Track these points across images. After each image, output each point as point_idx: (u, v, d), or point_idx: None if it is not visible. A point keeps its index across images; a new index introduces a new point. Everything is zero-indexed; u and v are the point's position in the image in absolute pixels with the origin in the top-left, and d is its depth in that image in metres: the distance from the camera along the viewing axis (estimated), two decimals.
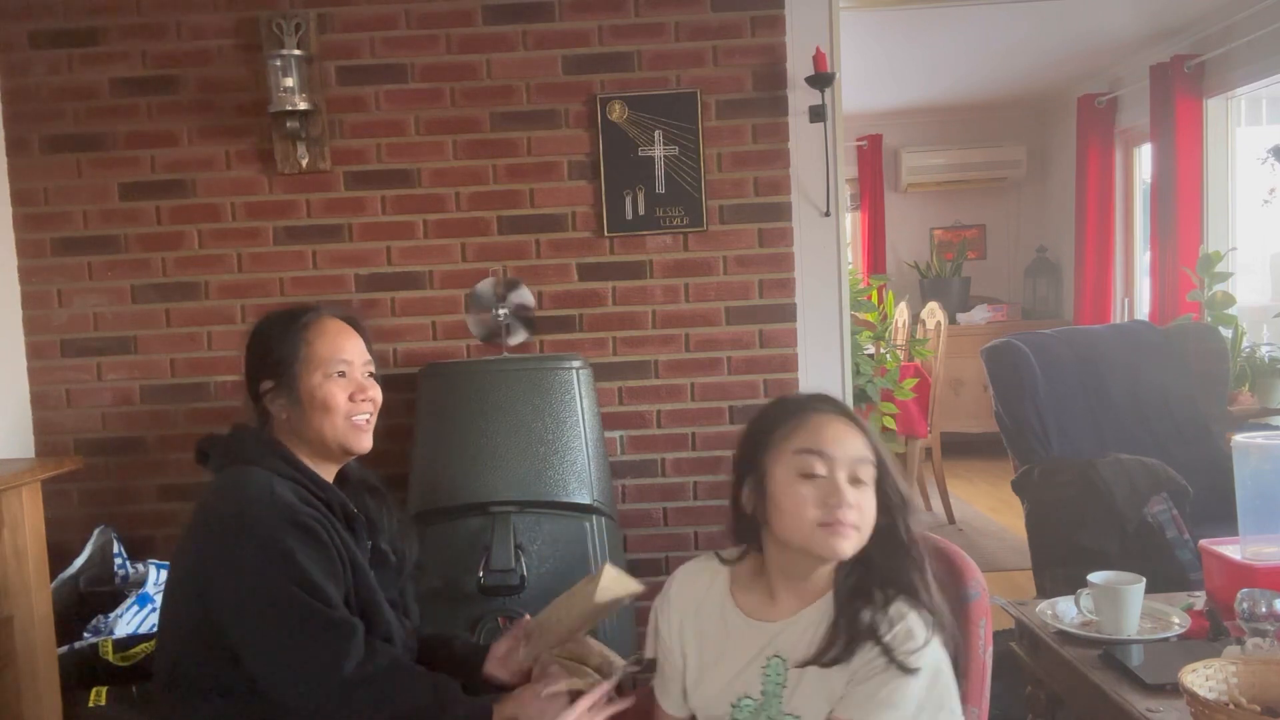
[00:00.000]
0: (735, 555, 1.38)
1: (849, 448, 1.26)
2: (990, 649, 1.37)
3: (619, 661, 1.47)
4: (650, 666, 1.42)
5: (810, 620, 1.28)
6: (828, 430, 1.27)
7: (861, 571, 1.27)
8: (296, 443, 1.51)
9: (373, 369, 1.58)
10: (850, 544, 1.24)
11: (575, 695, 1.35)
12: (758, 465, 1.29)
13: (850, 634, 1.23)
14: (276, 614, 1.33)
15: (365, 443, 1.54)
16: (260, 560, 1.34)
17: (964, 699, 1.32)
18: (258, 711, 1.38)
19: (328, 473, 1.53)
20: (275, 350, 1.52)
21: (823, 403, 1.32)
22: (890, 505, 1.28)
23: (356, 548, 1.49)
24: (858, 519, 1.24)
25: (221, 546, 1.38)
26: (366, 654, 1.35)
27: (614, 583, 1.39)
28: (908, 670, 1.19)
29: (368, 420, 1.54)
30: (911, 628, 1.22)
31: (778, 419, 1.31)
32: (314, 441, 1.50)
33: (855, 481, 1.25)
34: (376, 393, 1.57)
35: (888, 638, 1.21)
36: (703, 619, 1.36)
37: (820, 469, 1.25)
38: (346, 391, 1.51)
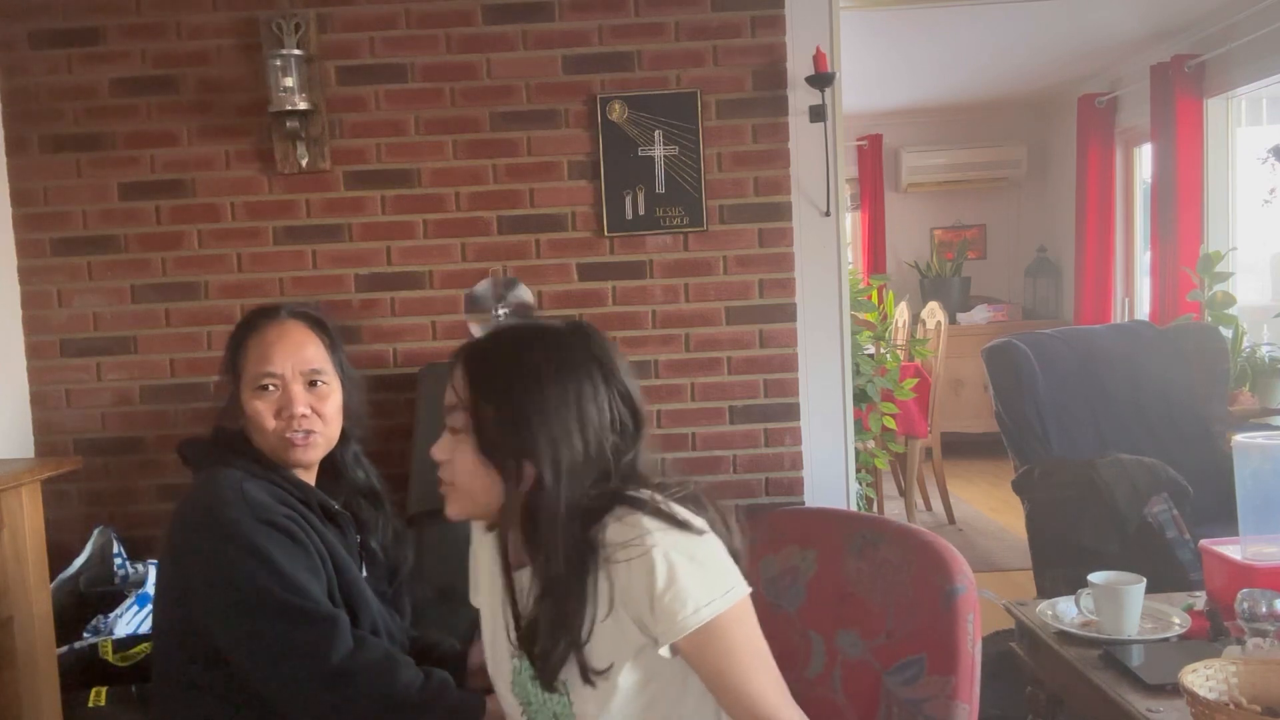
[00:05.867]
0: None
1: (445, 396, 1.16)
2: (979, 643, 1.35)
3: None
4: None
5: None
6: None
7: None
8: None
9: (322, 377, 1.49)
10: (450, 506, 1.17)
11: None
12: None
13: (569, 574, 1.07)
14: (257, 613, 1.33)
15: (301, 458, 1.47)
16: (236, 561, 1.34)
17: (953, 695, 1.31)
18: (251, 708, 1.38)
19: (302, 474, 1.51)
20: (226, 357, 1.52)
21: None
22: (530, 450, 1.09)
23: (341, 544, 1.48)
24: (449, 474, 1.15)
25: (197, 550, 1.38)
26: (355, 645, 1.35)
27: None
28: (646, 551, 1.03)
29: (305, 436, 1.46)
30: (626, 520, 1.06)
31: None
32: (264, 449, 1.48)
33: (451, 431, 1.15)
34: (325, 404, 1.48)
35: (606, 550, 1.05)
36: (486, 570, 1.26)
37: None
38: (273, 408, 1.46)
